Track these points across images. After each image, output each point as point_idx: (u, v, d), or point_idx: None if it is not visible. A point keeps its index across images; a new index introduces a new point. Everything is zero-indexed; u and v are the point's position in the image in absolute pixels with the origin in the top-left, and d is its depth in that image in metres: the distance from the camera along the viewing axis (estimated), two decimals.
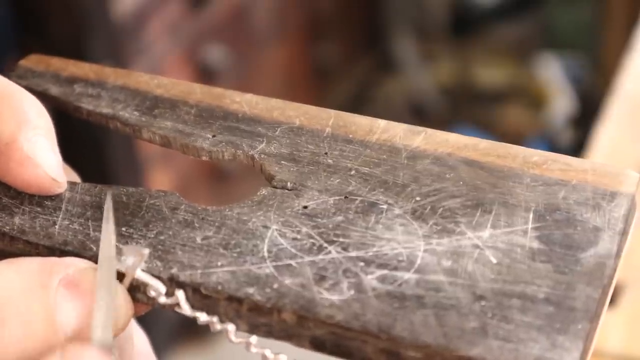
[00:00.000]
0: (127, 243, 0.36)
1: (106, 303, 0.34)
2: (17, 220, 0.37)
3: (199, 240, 0.36)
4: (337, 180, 0.38)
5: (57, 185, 0.38)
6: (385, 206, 0.37)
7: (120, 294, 0.35)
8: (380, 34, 2.48)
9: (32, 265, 0.34)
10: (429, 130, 0.40)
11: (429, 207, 0.37)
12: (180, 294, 0.35)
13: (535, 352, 0.32)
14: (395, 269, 0.35)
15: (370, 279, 0.34)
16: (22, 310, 0.33)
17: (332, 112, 0.41)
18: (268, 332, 0.34)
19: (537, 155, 0.38)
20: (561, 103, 2.25)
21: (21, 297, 0.33)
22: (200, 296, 0.35)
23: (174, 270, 0.35)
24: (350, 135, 0.40)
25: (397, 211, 0.37)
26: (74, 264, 0.35)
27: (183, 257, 0.36)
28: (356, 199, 0.37)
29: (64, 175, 0.38)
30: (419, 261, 0.35)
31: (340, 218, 0.37)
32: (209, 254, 0.36)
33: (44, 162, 0.37)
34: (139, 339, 0.42)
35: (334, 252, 0.35)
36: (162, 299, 0.35)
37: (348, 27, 2.37)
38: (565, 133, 2.23)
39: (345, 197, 0.38)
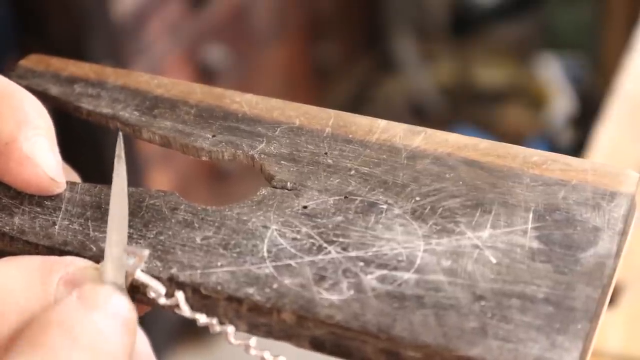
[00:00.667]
0: (126, 244, 0.36)
1: (118, 243, 0.34)
2: (16, 220, 0.37)
3: (198, 240, 0.36)
4: (337, 180, 0.38)
5: (56, 185, 0.38)
6: (385, 206, 0.37)
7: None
8: (380, 34, 2.48)
9: (32, 263, 0.34)
10: (429, 130, 0.40)
11: (429, 207, 0.37)
12: (180, 295, 0.35)
13: (534, 352, 0.32)
14: (395, 269, 0.35)
15: (370, 279, 0.34)
16: (22, 306, 0.33)
17: (332, 112, 0.41)
18: (268, 332, 0.34)
19: (537, 155, 0.38)
20: (561, 103, 2.25)
21: (21, 294, 0.33)
22: (199, 296, 0.35)
23: (174, 271, 0.35)
24: (350, 135, 0.40)
25: (396, 211, 0.37)
26: (74, 263, 0.35)
27: (183, 257, 0.36)
28: (356, 199, 0.37)
29: (63, 175, 0.38)
30: (418, 261, 0.35)
31: (340, 218, 0.37)
32: (208, 254, 0.36)
33: (42, 161, 0.37)
34: (139, 340, 0.42)
35: (333, 252, 0.35)
36: (162, 300, 0.35)
37: (348, 27, 2.37)
38: (565, 133, 2.23)
39: (345, 197, 0.38)
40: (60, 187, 0.38)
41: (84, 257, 0.36)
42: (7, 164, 0.37)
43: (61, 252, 0.36)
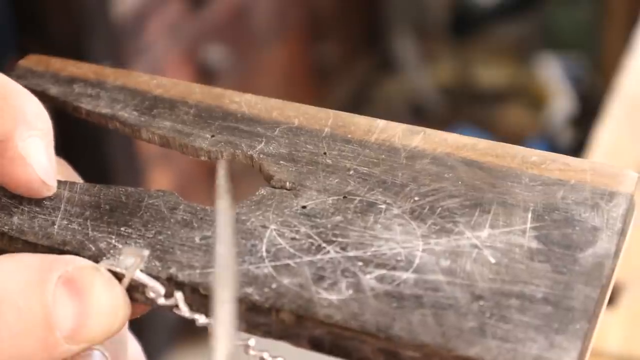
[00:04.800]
0: (126, 243, 0.36)
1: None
2: (15, 220, 0.37)
3: (197, 240, 0.36)
4: (336, 180, 0.38)
5: (46, 188, 0.37)
6: (383, 206, 0.37)
7: (119, 294, 0.35)
8: (380, 34, 2.48)
9: (32, 261, 0.34)
10: (428, 130, 0.40)
11: (428, 207, 0.37)
12: (179, 296, 0.35)
13: (533, 352, 0.32)
14: (394, 268, 0.35)
15: (369, 279, 0.34)
16: (20, 305, 0.33)
17: (331, 112, 0.41)
18: (266, 331, 0.34)
19: (535, 155, 0.38)
20: (561, 103, 2.25)
21: (20, 292, 0.33)
22: (198, 296, 0.35)
23: (173, 270, 0.35)
24: (349, 135, 0.40)
25: (395, 211, 0.37)
26: (74, 262, 0.35)
27: (182, 256, 0.36)
28: (355, 199, 0.37)
29: (54, 178, 0.38)
30: (417, 261, 0.35)
31: (338, 218, 0.37)
32: (207, 254, 0.36)
33: (35, 162, 0.37)
34: (131, 346, 0.42)
35: (332, 252, 0.35)
36: (161, 301, 0.35)
37: (348, 27, 2.37)
38: (565, 133, 2.23)
39: (344, 197, 0.38)
40: (50, 190, 0.38)
41: (83, 256, 0.36)
42: (1, 162, 0.37)
43: (60, 252, 0.36)
